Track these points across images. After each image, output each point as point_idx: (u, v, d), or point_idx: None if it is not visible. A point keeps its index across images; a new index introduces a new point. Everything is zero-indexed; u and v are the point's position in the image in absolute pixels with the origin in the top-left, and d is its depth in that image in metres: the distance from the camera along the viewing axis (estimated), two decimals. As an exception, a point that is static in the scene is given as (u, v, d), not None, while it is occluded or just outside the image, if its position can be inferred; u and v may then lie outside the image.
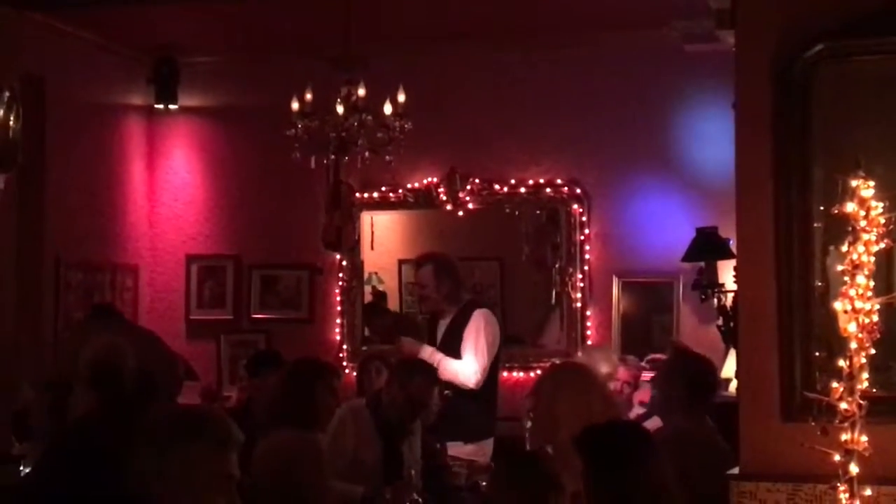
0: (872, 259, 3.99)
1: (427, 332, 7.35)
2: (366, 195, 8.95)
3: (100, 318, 7.19)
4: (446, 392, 6.65)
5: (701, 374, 5.36)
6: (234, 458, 3.02)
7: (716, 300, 7.95)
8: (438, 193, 8.87)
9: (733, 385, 6.60)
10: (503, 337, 7.31)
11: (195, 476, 2.93)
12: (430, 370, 6.09)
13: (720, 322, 7.84)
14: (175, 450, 2.92)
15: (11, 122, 5.46)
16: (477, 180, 8.81)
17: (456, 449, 6.58)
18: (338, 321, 9.11)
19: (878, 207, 4.00)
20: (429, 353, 6.98)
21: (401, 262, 9.32)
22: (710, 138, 8.01)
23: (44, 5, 7.34)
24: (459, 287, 7.28)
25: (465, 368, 6.96)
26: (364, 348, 8.88)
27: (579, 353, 7.75)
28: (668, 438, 4.55)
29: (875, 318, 3.98)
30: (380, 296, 9.24)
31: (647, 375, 7.16)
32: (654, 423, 5.43)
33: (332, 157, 7.22)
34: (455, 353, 7.02)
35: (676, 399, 5.22)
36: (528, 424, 4.50)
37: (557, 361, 8.50)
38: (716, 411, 5.48)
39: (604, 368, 6.38)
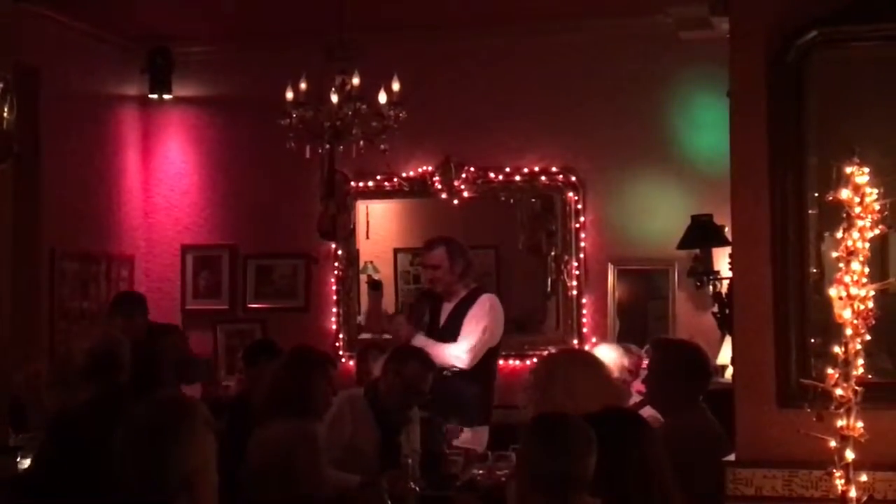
0: (867, 245, 4.01)
1: (434, 314, 7.36)
2: (361, 184, 8.95)
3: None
4: (445, 372, 6.69)
5: (697, 364, 5.31)
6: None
7: (711, 287, 7.95)
8: (433, 182, 8.87)
9: (729, 372, 6.60)
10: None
11: (208, 453, 3.04)
12: (424, 356, 6.10)
13: (715, 309, 7.85)
14: (189, 431, 3.02)
15: (6, 113, 5.43)
16: (472, 168, 8.81)
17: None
18: (333, 310, 9.11)
19: (872, 194, 4.02)
20: (421, 341, 7.03)
21: (396, 251, 9.33)
22: (705, 125, 8.02)
23: (38, -4, 7.34)
24: (471, 267, 7.30)
25: (453, 349, 7.01)
26: (360, 336, 8.88)
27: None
28: (669, 435, 4.50)
29: (870, 304, 3.99)
30: (375, 284, 9.22)
31: (646, 363, 7.16)
32: (648, 412, 5.41)
33: (327, 146, 7.21)
34: (458, 335, 7.06)
35: (676, 395, 5.17)
36: (528, 408, 4.50)
37: (553, 349, 8.52)
38: (712, 398, 5.48)
39: (616, 373, 6.35)
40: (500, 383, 7.50)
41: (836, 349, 4.00)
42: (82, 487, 4.57)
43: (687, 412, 5.09)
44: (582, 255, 8.66)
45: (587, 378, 4.56)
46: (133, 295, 8.03)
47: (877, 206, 4.02)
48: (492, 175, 8.79)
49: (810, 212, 4.41)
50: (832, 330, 4.07)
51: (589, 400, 4.22)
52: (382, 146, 7.13)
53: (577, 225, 8.66)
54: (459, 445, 6.48)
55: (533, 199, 8.96)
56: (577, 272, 8.64)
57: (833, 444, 3.99)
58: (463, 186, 8.83)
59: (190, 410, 3.10)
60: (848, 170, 4.02)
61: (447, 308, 7.24)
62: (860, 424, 3.98)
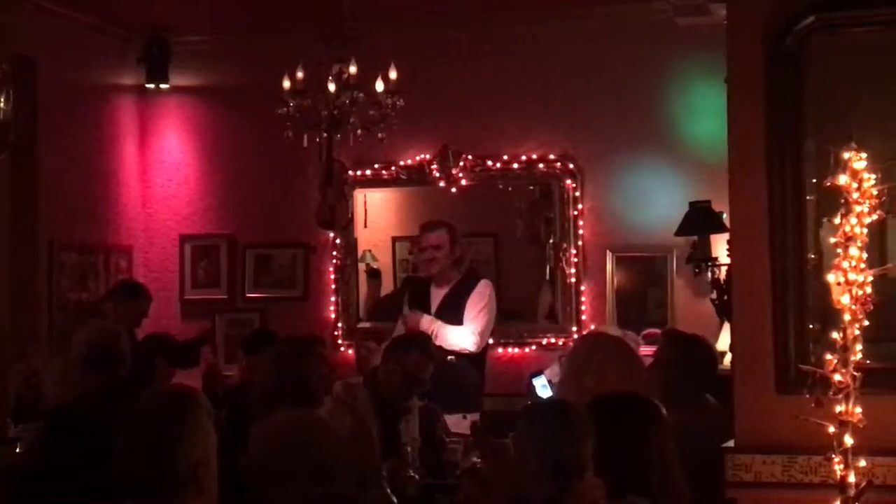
0: (865, 231, 4.02)
1: (419, 300, 7.35)
2: (359, 173, 8.94)
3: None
4: (450, 357, 6.70)
5: (706, 362, 5.23)
6: None
7: (709, 274, 7.94)
8: (431, 170, 8.86)
9: (728, 358, 6.61)
10: (497, 312, 7.35)
11: (211, 444, 3.07)
12: (425, 345, 6.09)
13: (714, 296, 7.84)
14: (195, 422, 3.03)
15: (3, 104, 5.43)
16: (470, 156, 8.80)
17: (455, 423, 6.59)
18: (332, 299, 9.11)
19: (870, 179, 4.02)
20: (427, 321, 7.07)
21: (394, 240, 9.33)
22: (703, 112, 8.01)
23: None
24: (464, 254, 7.38)
25: (465, 332, 7.07)
26: (359, 326, 8.89)
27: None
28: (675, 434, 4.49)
29: (868, 289, 4.00)
30: (374, 272, 9.24)
31: (644, 350, 7.16)
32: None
33: (325, 135, 7.21)
34: (454, 320, 7.08)
35: (682, 391, 5.10)
36: (557, 390, 4.50)
37: (548, 338, 8.54)
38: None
39: None
40: (499, 371, 7.50)
41: (835, 335, 4.00)
42: (82, 481, 4.57)
43: (691, 408, 5.02)
44: (580, 243, 8.65)
45: (621, 369, 4.57)
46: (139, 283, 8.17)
47: (875, 192, 4.03)
48: (490, 163, 8.77)
49: (808, 198, 4.42)
50: (831, 316, 4.08)
51: (632, 386, 4.23)
52: (380, 135, 7.13)
53: (576, 212, 8.65)
54: (459, 433, 6.48)
55: (531, 187, 8.95)
56: (576, 259, 8.63)
57: (832, 429, 4.00)
58: (461, 174, 8.82)
59: (194, 402, 3.10)
60: (846, 155, 4.03)
61: (438, 294, 7.25)
62: (859, 410, 3.99)
